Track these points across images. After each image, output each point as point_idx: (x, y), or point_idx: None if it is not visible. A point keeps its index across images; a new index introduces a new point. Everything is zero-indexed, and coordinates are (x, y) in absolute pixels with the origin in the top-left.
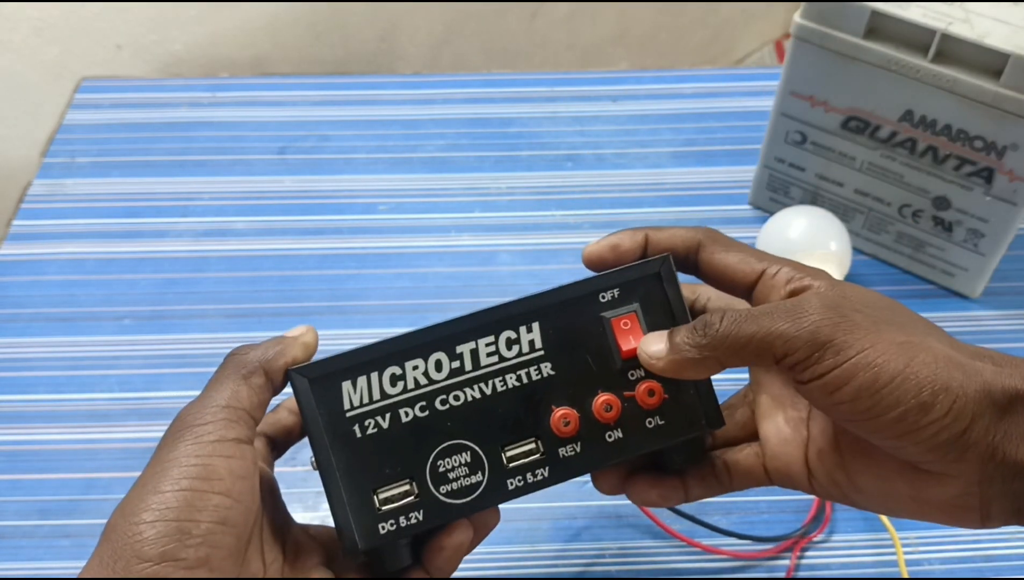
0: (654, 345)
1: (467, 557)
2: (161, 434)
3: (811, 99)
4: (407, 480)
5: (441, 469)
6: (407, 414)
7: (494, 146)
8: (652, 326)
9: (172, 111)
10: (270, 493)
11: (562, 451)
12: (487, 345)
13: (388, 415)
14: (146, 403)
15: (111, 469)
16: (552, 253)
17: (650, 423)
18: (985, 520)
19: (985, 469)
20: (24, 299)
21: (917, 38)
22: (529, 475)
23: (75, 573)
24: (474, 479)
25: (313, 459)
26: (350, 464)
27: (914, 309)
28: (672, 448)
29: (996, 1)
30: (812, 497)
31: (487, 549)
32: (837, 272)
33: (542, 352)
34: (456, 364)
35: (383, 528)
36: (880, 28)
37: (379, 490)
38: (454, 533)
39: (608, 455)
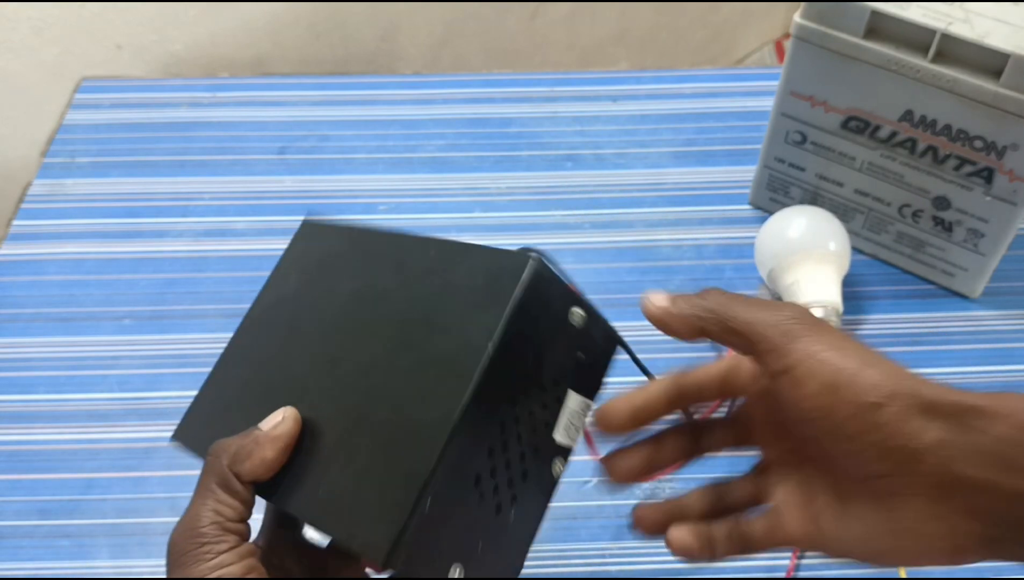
0: (658, 297)
1: None
2: (161, 434)
3: (811, 99)
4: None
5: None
6: None
7: (494, 146)
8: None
9: (172, 111)
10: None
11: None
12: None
13: None
14: (146, 403)
15: (111, 469)
16: (552, 253)
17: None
18: (956, 552)
19: (942, 483)
20: (24, 299)
21: (917, 38)
22: None
23: (75, 573)
24: None
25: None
26: None
27: (914, 309)
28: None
29: (996, 1)
30: None
31: None
32: (836, 272)
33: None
34: None
35: None
36: (880, 28)
37: None
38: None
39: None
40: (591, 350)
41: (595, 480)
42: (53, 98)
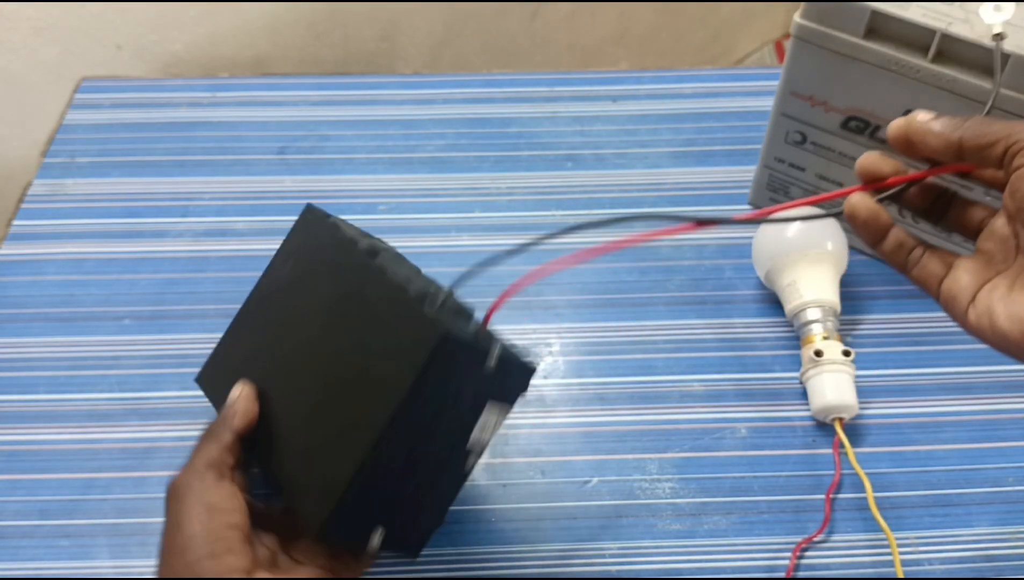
0: (923, 114)
1: (467, 556)
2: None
3: (811, 99)
4: None
5: None
6: None
7: (494, 146)
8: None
9: (172, 111)
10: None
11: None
12: None
13: None
14: (146, 403)
15: (111, 469)
16: (552, 253)
17: None
18: None
19: None
20: (24, 299)
21: (917, 38)
22: None
23: (75, 573)
24: None
25: None
26: None
27: (914, 309)
28: None
29: (996, 1)
30: (812, 497)
31: (487, 549)
32: (834, 271)
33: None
34: None
35: None
36: (880, 28)
37: None
38: None
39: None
40: (507, 376)
41: (595, 480)
42: (53, 98)
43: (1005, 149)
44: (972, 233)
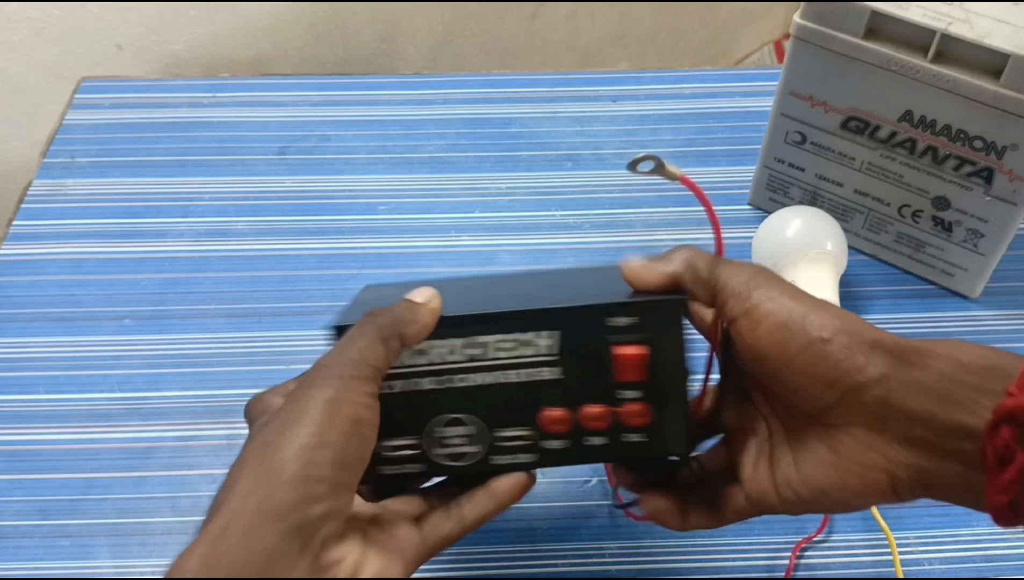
0: (636, 259)
1: (467, 556)
2: (162, 433)
3: (811, 99)
4: (413, 437)
5: (441, 435)
6: (423, 384)
7: (494, 146)
8: (652, 357)
9: (172, 111)
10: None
11: (547, 444)
12: (507, 342)
13: (411, 380)
14: (146, 403)
15: (111, 469)
16: (552, 253)
17: (631, 438)
18: (894, 488)
19: (882, 413)
20: (24, 299)
21: (917, 38)
22: (517, 456)
23: (75, 573)
24: (468, 450)
25: None
26: None
27: (914, 309)
28: (647, 464)
29: (996, 1)
30: None
31: (487, 549)
32: (833, 271)
33: (555, 357)
34: (475, 351)
35: (386, 470)
36: (880, 28)
37: (387, 440)
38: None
39: (588, 457)
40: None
41: (595, 480)
42: (53, 98)
43: (714, 294)
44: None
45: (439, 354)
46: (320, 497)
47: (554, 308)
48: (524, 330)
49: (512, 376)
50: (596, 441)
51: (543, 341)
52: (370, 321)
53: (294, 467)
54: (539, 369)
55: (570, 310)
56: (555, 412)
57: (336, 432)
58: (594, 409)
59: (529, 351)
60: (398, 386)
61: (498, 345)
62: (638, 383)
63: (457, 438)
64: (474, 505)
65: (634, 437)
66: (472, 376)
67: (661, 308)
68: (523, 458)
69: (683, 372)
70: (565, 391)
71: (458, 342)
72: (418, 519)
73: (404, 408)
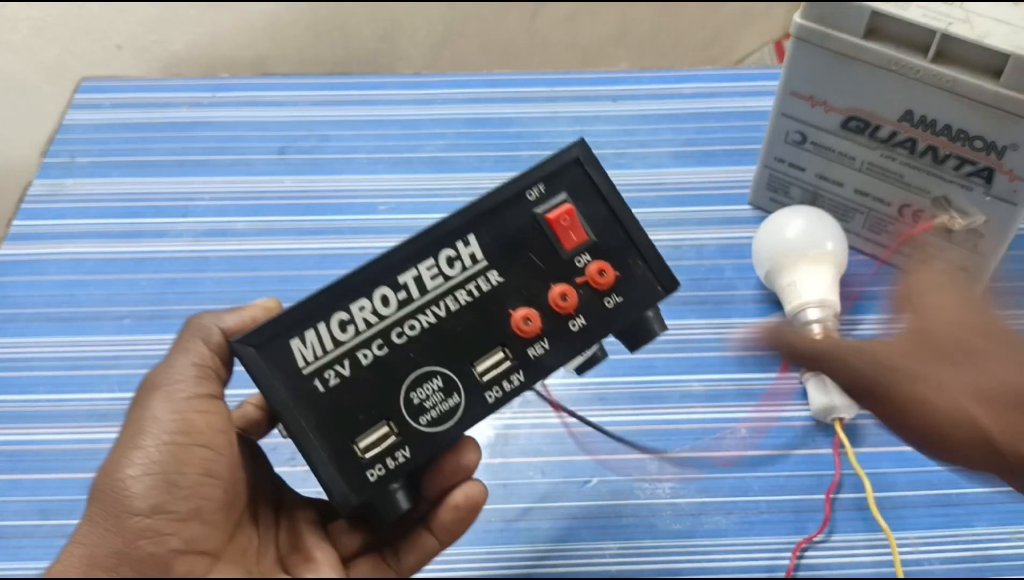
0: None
1: (466, 556)
2: None
3: (811, 99)
4: (383, 421)
5: (416, 401)
6: (366, 356)
7: (494, 146)
8: (586, 213)
9: (172, 111)
10: (253, 457)
11: (531, 352)
12: (428, 268)
13: (347, 362)
14: None
15: None
16: None
17: (609, 303)
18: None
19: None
20: (24, 299)
21: (917, 38)
22: (505, 383)
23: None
24: (451, 402)
25: (281, 427)
26: (320, 421)
27: None
28: (628, 331)
29: (996, 1)
30: (812, 496)
31: (487, 549)
32: (834, 272)
33: (485, 262)
34: (402, 295)
35: (372, 475)
36: (880, 28)
37: (358, 439)
38: (463, 453)
39: (577, 344)
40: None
41: (595, 480)
42: (53, 98)
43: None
44: None
45: (365, 318)
46: (181, 517)
47: (462, 209)
48: (438, 249)
49: (454, 303)
50: (577, 324)
51: (466, 250)
52: (189, 325)
53: (141, 499)
54: (476, 280)
55: (477, 204)
56: (520, 312)
57: (166, 454)
58: (557, 289)
59: (456, 269)
60: (336, 373)
61: (423, 278)
62: (585, 244)
63: (433, 394)
64: (412, 551)
65: (613, 299)
66: (412, 321)
67: (569, 155)
68: (515, 381)
69: (623, 209)
70: (517, 290)
71: (378, 294)
72: (350, 559)
73: (358, 394)
